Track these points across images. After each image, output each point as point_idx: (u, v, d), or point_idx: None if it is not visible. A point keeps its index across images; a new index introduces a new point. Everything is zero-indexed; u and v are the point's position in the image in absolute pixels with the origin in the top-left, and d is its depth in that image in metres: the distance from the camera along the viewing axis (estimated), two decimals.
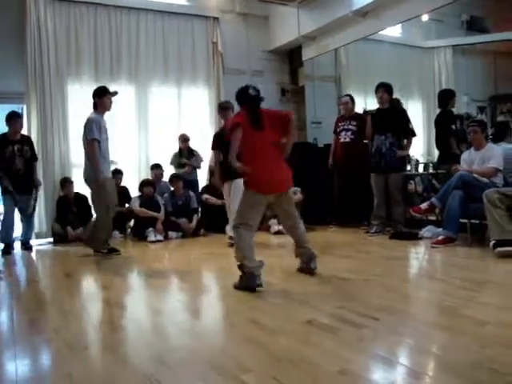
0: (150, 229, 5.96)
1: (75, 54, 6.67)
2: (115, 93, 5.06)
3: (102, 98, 4.90)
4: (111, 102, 4.97)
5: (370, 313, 2.50)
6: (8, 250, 5.59)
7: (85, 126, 4.84)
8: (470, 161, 4.75)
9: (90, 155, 4.80)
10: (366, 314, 2.48)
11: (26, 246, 5.81)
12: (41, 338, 2.45)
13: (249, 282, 3.09)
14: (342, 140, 6.23)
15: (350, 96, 6.39)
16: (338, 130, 6.31)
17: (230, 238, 5.27)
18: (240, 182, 5.17)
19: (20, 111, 6.12)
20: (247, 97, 3.44)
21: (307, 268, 3.54)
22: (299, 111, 8.22)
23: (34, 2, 6.29)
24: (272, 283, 3.45)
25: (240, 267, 3.16)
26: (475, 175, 4.52)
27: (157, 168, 6.90)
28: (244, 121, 3.34)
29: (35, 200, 5.86)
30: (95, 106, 4.93)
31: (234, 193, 5.21)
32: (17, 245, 5.86)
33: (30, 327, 2.65)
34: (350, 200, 6.12)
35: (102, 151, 4.83)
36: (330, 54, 7.50)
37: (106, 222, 5.00)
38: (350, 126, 6.20)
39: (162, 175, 6.93)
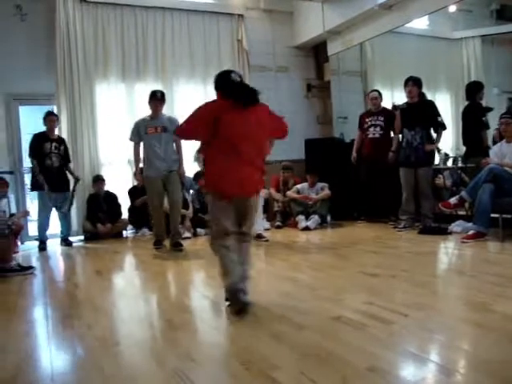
0: (179, 226, 6.01)
1: (103, 55, 6.76)
2: (156, 93, 5.20)
3: (149, 103, 5.22)
4: (156, 106, 5.16)
5: (398, 309, 2.49)
6: (43, 246, 5.86)
7: None
8: (502, 154, 4.65)
9: None
10: (394, 310, 2.47)
11: (66, 242, 6.00)
12: (74, 333, 2.51)
13: None
14: (370, 136, 6.15)
15: (377, 91, 6.33)
16: (366, 125, 6.23)
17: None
18: None
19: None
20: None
21: None
22: (325, 106, 8.20)
23: (63, 4, 6.41)
24: (299, 279, 3.46)
25: None
26: (506, 168, 4.42)
27: None
28: None
29: (72, 196, 6.07)
30: None
31: None
32: (55, 241, 6.10)
33: (64, 323, 2.72)
34: (379, 195, 6.06)
35: (145, 152, 5.19)
36: (355, 48, 7.42)
37: (154, 218, 5.36)
38: (378, 122, 6.12)
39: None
